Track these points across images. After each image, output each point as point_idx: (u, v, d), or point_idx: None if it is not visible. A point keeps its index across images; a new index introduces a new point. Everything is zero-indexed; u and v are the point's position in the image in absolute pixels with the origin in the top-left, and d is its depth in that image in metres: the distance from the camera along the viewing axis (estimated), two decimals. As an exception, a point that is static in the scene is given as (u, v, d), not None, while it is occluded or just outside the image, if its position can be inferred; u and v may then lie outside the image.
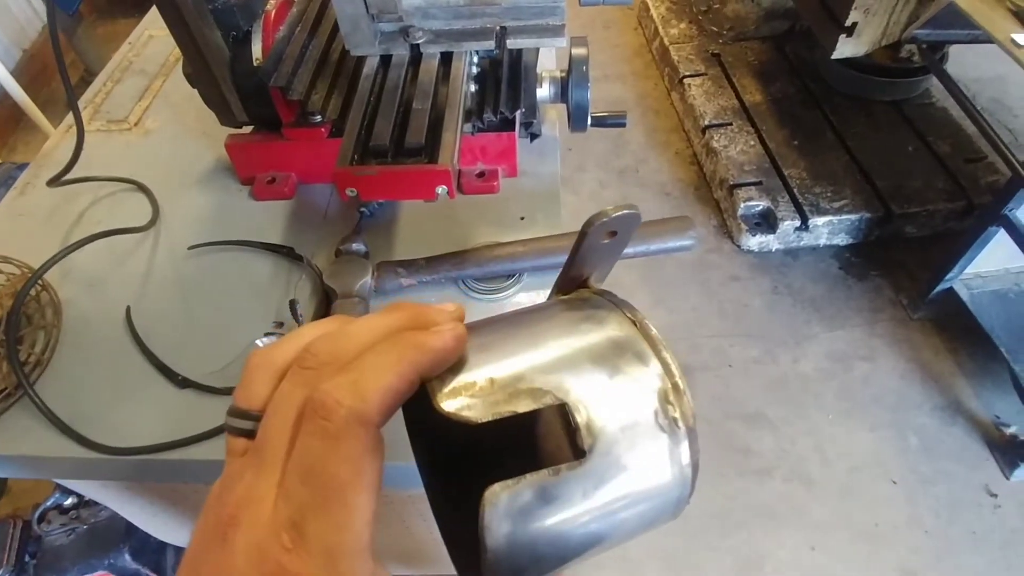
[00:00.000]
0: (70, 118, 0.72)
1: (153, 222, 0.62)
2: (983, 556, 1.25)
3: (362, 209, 0.60)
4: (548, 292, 0.56)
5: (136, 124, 0.74)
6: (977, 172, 1.68)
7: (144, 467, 0.48)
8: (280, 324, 0.53)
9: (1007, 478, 1.34)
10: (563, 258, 0.55)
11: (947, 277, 1.47)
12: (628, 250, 0.55)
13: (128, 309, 0.55)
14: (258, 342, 0.50)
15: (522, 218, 0.60)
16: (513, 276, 0.55)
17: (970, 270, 1.47)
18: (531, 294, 0.55)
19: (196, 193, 0.65)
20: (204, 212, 0.64)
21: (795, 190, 1.67)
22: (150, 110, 0.76)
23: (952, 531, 1.28)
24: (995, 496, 1.32)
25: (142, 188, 0.65)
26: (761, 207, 1.69)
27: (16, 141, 2.16)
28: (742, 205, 1.68)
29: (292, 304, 0.51)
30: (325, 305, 0.53)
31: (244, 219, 0.63)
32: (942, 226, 1.67)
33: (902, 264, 1.67)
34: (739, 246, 1.73)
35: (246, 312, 0.55)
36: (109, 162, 0.69)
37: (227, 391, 0.50)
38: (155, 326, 0.54)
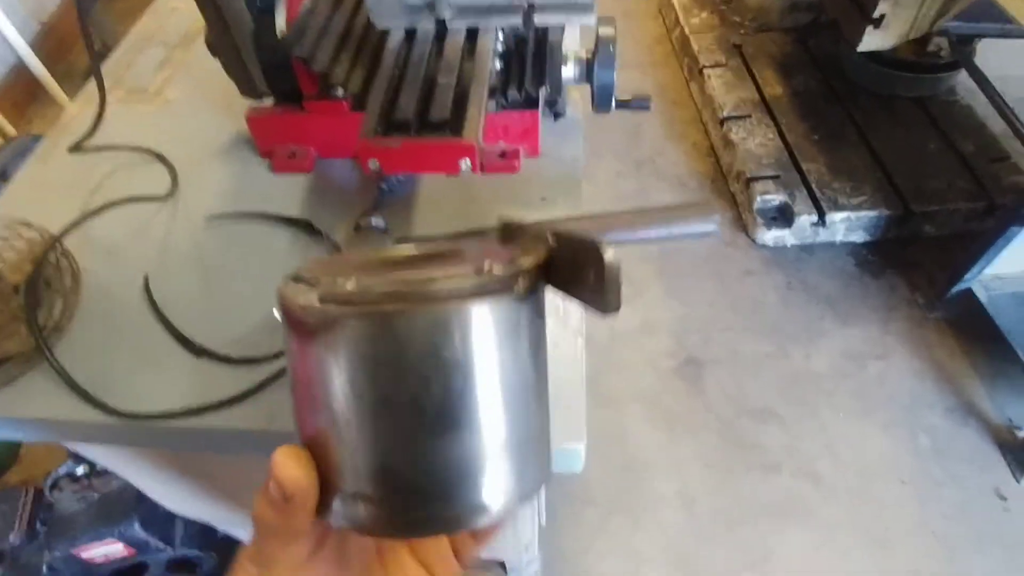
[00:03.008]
0: (89, 89, 0.72)
1: (172, 192, 0.62)
2: (991, 558, 1.23)
3: (381, 185, 0.60)
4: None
5: (157, 94, 0.74)
6: (1000, 172, 1.65)
7: (159, 433, 0.48)
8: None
9: (1017, 481, 1.32)
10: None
11: (966, 277, 1.45)
12: (650, 234, 0.54)
13: (146, 277, 0.55)
14: (276, 313, 0.50)
15: (543, 199, 0.60)
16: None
17: (989, 271, 1.45)
18: (550, 275, 0.54)
19: (215, 165, 0.65)
20: (223, 184, 0.63)
21: (813, 185, 1.65)
22: (171, 81, 0.75)
23: (961, 533, 1.27)
24: (1005, 499, 1.31)
25: (161, 158, 0.65)
26: (778, 201, 1.67)
27: (33, 114, 2.17)
28: (759, 199, 1.67)
29: (310, 277, 0.51)
30: (343, 279, 0.53)
31: (263, 192, 0.62)
32: (962, 226, 1.64)
33: (919, 263, 1.65)
34: (754, 240, 1.71)
35: (263, 284, 0.55)
36: (129, 132, 0.68)
37: (243, 361, 0.50)
38: (173, 295, 0.54)
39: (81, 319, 0.53)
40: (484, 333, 0.23)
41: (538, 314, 0.26)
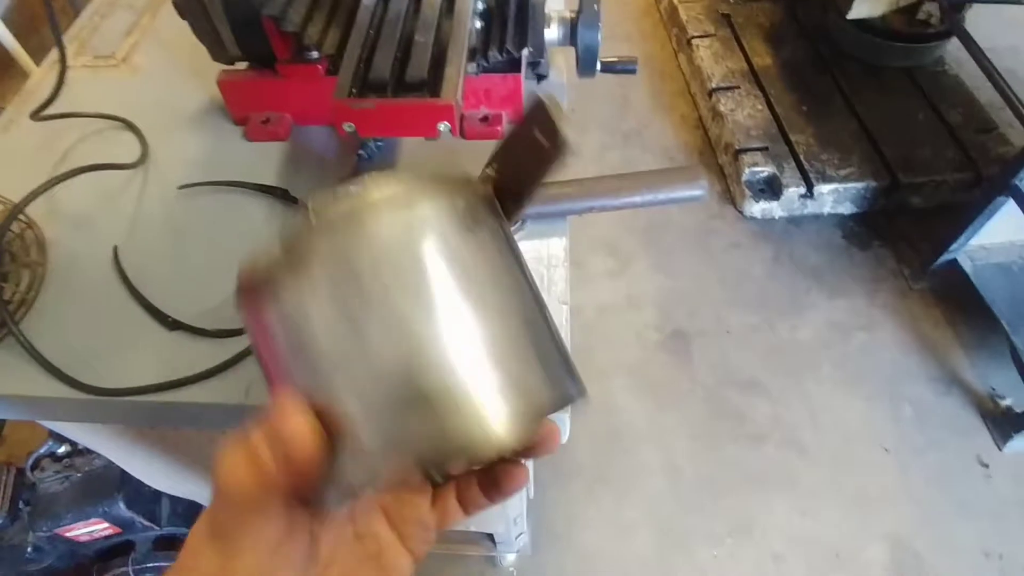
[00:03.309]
0: (55, 55, 0.69)
1: (142, 160, 0.60)
2: (972, 525, 1.26)
3: (360, 152, 0.58)
4: (552, 240, 0.54)
5: (124, 60, 0.71)
6: (987, 143, 1.65)
7: (133, 409, 0.47)
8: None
9: (1000, 449, 1.34)
10: (568, 205, 0.53)
11: (951, 248, 1.46)
12: (636, 199, 0.53)
13: (116, 249, 0.53)
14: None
15: (526, 165, 0.58)
16: (516, 223, 0.53)
17: (974, 242, 1.46)
18: (534, 241, 0.53)
19: (187, 132, 0.63)
20: (195, 152, 0.61)
21: (801, 157, 1.64)
22: (139, 46, 0.72)
23: (942, 500, 1.29)
24: (986, 466, 1.33)
25: (130, 126, 0.63)
26: (766, 173, 1.66)
27: (5, 89, 2.10)
28: (747, 171, 1.66)
29: (286, 246, 0.50)
30: (320, 248, 0.51)
31: (237, 160, 0.60)
32: (949, 197, 1.65)
33: (905, 235, 1.65)
34: (742, 213, 1.70)
35: (238, 254, 0.53)
36: (96, 99, 0.66)
37: (218, 333, 0.48)
38: (144, 267, 0.53)
39: (49, 292, 0.52)
40: (430, 236, 0.24)
41: (492, 231, 0.27)
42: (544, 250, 0.52)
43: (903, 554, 1.24)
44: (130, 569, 1.01)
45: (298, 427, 0.22)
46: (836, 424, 1.40)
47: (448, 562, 1.24)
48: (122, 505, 0.94)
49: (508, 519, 1.02)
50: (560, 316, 0.48)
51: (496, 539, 1.12)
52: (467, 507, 0.29)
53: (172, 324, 0.49)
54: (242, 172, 0.59)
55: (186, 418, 0.48)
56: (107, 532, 0.98)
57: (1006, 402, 1.38)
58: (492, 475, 0.28)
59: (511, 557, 1.23)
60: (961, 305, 1.51)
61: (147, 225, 0.56)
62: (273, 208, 0.56)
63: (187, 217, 0.56)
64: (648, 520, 1.29)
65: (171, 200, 0.57)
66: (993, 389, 1.41)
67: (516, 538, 1.13)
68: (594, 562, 1.25)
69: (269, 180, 0.58)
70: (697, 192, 0.51)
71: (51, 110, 0.64)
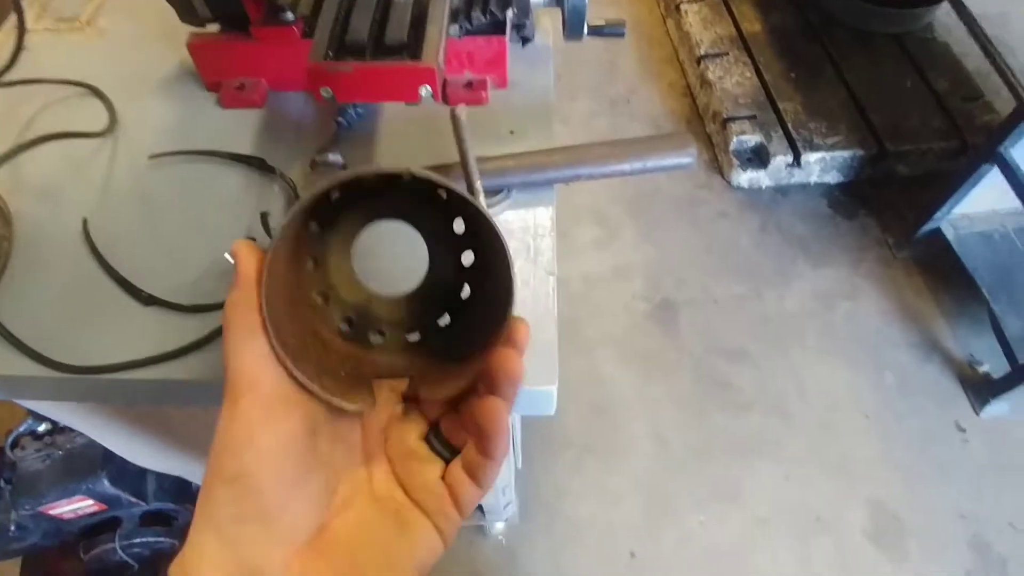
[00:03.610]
0: (14, 19, 0.65)
1: (110, 128, 0.57)
2: (950, 488, 1.29)
3: (339, 119, 0.55)
4: (538, 209, 0.52)
5: (89, 23, 0.67)
6: (973, 112, 1.65)
7: (109, 387, 0.45)
8: (252, 239, 0.49)
9: (977, 414, 1.37)
10: (554, 174, 0.51)
11: (935, 216, 1.46)
12: (624, 167, 0.52)
13: (85, 221, 0.51)
14: (229, 257, 0.47)
15: (512, 132, 0.56)
16: (501, 191, 0.51)
17: (958, 210, 1.46)
18: (519, 211, 0.51)
19: (157, 100, 0.60)
20: (166, 120, 0.58)
21: (789, 125, 1.63)
22: (104, 9, 0.69)
23: (921, 464, 1.32)
24: (964, 431, 1.36)
25: (97, 93, 0.60)
26: (754, 142, 1.65)
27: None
28: (735, 139, 1.64)
29: (264, 217, 0.48)
30: (300, 219, 0.49)
31: (211, 129, 0.58)
32: (934, 166, 1.65)
33: (891, 204, 1.66)
34: (729, 182, 1.70)
35: (214, 226, 0.51)
36: (60, 64, 0.62)
37: (195, 308, 0.47)
38: (116, 240, 0.50)
39: (16, 267, 0.50)
40: None
41: None
42: (530, 219, 0.51)
43: (883, 517, 1.27)
44: (117, 545, 1.00)
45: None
46: (820, 392, 1.42)
47: (437, 532, 1.25)
48: (106, 482, 0.93)
49: (496, 488, 1.03)
50: (546, 286, 0.47)
51: (484, 508, 1.13)
52: (472, 473, 0.29)
53: (147, 299, 0.47)
54: (216, 141, 0.56)
55: (164, 396, 0.47)
56: (92, 509, 0.97)
57: (984, 368, 1.40)
58: (473, 420, 0.29)
59: (500, 526, 1.25)
60: (943, 274, 1.53)
61: (117, 196, 0.53)
62: (250, 178, 0.54)
63: (159, 188, 0.54)
64: (635, 488, 1.31)
65: (142, 170, 0.55)
66: (972, 356, 1.43)
67: (504, 507, 1.14)
68: (582, 530, 1.27)
69: (245, 149, 0.56)
70: (686, 160, 0.50)
71: (11, 76, 0.61)
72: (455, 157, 0.52)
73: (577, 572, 1.23)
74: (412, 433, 0.31)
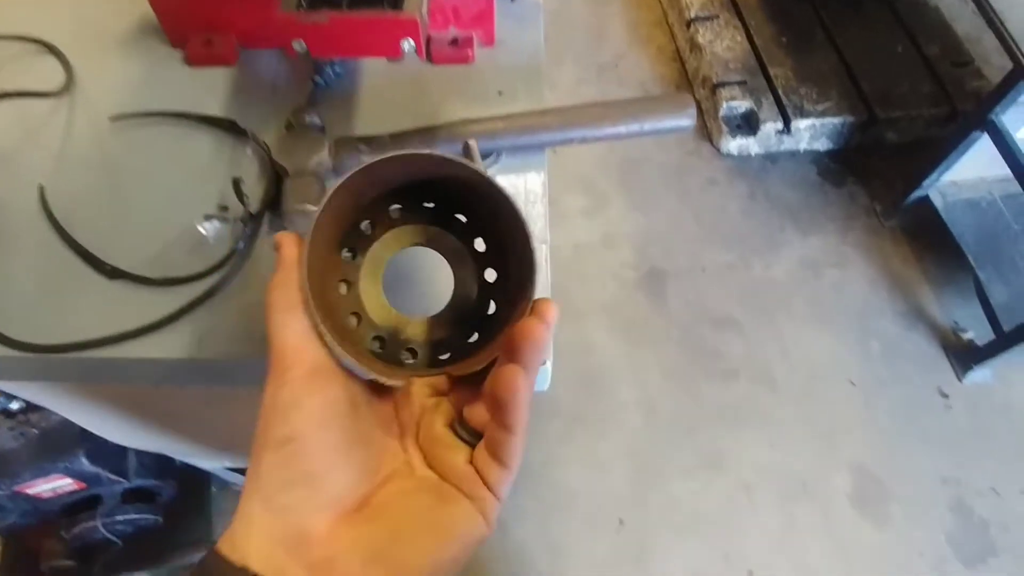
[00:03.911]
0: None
1: (67, 88, 0.53)
2: (932, 453, 1.31)
3: (316, 78, 0.52)
4: (529, 175, 0.50)
5: (41, -26, 0.62)
6: (963, 77, 1.63)
7: (73, 367, 0.43)
8: (224, 208, 0.47)
9: (960, 380, 1.39)
10: (547, 136, 0.49)
11: (924, 183, 1.46)
12: (620, 129, 0.49)
13: (42, 188, 0.47)
14: (200, 227, 0.44)
15: (500, 93, 0.53)
16: (490, 155, 0.48)
17: (946, 177, 1.46)
18: (510, 176, 0.49)
19: (117, 57, 0.56)
20: (129, 78, 0.54)
21: (780, 91, 1.60)
22: (57, -43, 0.63)
23: (905, 430, 1.34)
24: (947, 397, 1.38)
25: (51, 49, 0.55)
26: (744, 108, 1.62)
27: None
28: (724, 105, 1.61)
29: (236, 183, 0.45)
30: (275, 185, 0.46)
31: (177, 88, 0.54)
32: (923, 133, 1.64)
33: (880, 172, 1.65)
34: (718, 149, 1.67)
35: (183, 193, 0.48)
36: (9, 18, 0.58)
37: (164, 282, 0.44)
38: (77, 209, 0.47)
39: (-31, 239, 0.46)
40: None
41: None
42: (521, 185, 0.48)
43: (866, 482, 1.29)
44: (98, 523, 0.98)
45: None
46: (806, 360, 1.42)
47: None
48: (85, 460, 0.91)
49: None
50: (540, 256, 0.44)
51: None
52: (495, 452, 0.29)
53: (111, 272, 0.44)
54: (183, 102, 0.52)
55: (136, 375, 0.44)
56: (71, 488, 0.95)
57: (968, 335, 1.41)
58: (492, 395, 0.28)
59: (488, 497, 1.24)
60: (930, 242, 1.53)
61: (76, 161, 0.50)
62: (221, 142, 0.51)
63: (122, 152, 0.50)
64: (624, 456, 1.32)
65: (103, 133, 0.51)
66: (956, 323, 1.45)
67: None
68: (571, 497, 1.28)
69: (215, 110, 0.52)
70: (685, 122, 0.47)
71: (-44, 31, 0.56)
72: (441, 119, 0.49)
73: (566, 540, 1.24)
74: (439, 421, 0.31)
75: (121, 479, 0.98)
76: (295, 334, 0.28)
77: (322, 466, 0.27)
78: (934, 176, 1.43)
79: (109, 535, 1.01)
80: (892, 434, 1.34)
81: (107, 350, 0.42)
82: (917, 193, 1.48)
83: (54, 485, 0.93)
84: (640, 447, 1.33)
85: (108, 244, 0.45)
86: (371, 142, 0.47)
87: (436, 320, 0.36)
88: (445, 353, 0.35)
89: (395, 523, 0.28)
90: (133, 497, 1.03)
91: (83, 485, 0.95)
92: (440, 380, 0.33)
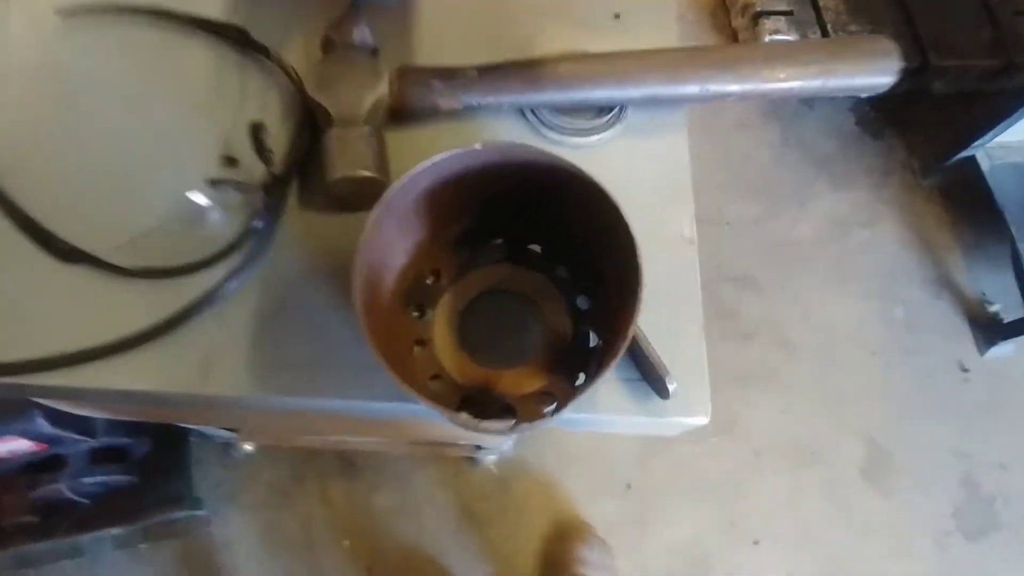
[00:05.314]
0: None
1: (-10, -37, 0.37)
2: (944, 426, 1.28)
3: (359, -25, 0.36)
4: (667, 139, 0.37)
5: None
6: (1022, 28, 1.48)
7: (27, 392, 0.30)
8: (232, 160, 0.32)
9: (981, 355, 1.34)
10: (695, 89, 0.35)
11: (974, 143, 1.34)
12: (796, 84, 0.35)
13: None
14: (194, 196, 0.30)
15: (616, 16, 0.39)
16: (612, 110, 0.35)
17: (998, 139, 1.34)
18: (634, 139, 0.35)
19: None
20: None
21: (829, 26, 1.43)
22: None
23: (919, 401, 1.30)
24: (967, 371, 1.33)
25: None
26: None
27: None
28: (766, 39, 1.44)
29: (255, 130, 0.30)
30: (308, 133, 0.32)
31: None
32: (973, 85, 1.50)
33: (922, 124, 1.52)
34: (754, 88, 1.51)
35: (172, 137, 0.33)
36: None
37: (143, 273, 0.30)
38: (16, 160, 0.32)
39: None
40: None
41: None
42: (657, 153, 0.35)
43: (877, 451, 1.26)
44: (63, 485, 0.87)
45: None
46: (827, 324, 1.35)
47: (423, 465, 1.17)
48: (42, 422, 0.78)
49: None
50: (687, 259, 0.32)
51: (482, 444, 1.05)
52: None
53: (68, 252, 0.30)
54: (166, -4, 0.37)
55: (98, 403, 0.31)
56: (32, 449, 0.83)
57: (994, 308, 1.36)
58: None
59: (491, 456, 1.17)
60: (967, 205, 1.44)
61: (12, 83, 0.34)
62: (225, 61, 0.35)
63: (79, 69, 0.35)
64: (634, 420, 1.25)
65: (50, 39, 0.35)
66: (984, 294, 1.38)
67: (501, 443, 1.06)
68: (576, 458, 1.21)
69: (214, 11, 0.37)
70: (886, 79, 0.34)
71: None
72: (536, 49, 0.35)
73: (571, 504, 1.19)
74: None
75: (87, 438, 0.86)
76: None
77: None
78: (986, 136, 1.32)
79: (76, 497, 0.90)
80: (906, 405, 1.30)
81: (56, 375, 0.28)
82: (965, 152, 1.37)
83: (11, 447, 0.81)
84: (651, 409, 1.26)
85: (62, 213, 0.31)
86: (450, 77, 0.33)
87: (530, 368, 0.31)
88: (550, 403, 0.30)
89: None
90: (102, 456, 0.92)
91: (43, 446, 0.83)
92: None
